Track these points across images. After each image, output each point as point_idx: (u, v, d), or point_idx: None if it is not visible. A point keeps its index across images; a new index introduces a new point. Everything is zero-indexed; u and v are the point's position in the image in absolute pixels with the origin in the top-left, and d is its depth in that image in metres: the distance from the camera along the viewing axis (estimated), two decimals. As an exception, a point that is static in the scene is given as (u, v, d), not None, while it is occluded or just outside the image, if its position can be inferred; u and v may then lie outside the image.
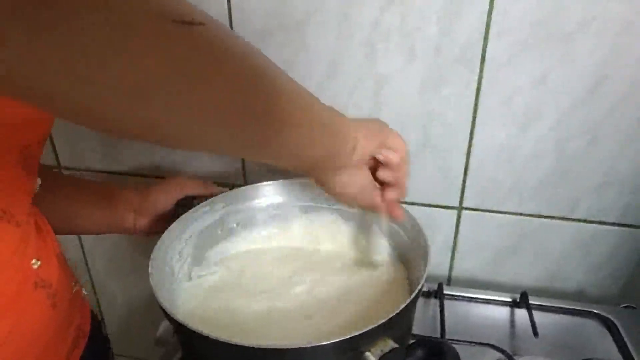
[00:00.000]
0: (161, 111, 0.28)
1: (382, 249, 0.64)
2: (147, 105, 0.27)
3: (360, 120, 0.49)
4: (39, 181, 0.53)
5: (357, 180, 0.51)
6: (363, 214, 0.64)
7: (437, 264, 0.81)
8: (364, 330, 0.41)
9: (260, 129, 0.35)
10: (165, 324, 0.61)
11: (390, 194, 0.53)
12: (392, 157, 0.51)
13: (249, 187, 0.67)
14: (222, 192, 0.67)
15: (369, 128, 0.50)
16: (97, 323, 0.63)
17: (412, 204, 0.76)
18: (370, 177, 0.52)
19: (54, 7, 0.21)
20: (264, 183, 0.67)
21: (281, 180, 0.68)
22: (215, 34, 0.30)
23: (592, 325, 0.70)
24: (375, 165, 0.52)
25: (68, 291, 0.54)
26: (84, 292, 0.60)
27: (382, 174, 0.52)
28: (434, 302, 0.73)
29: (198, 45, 0.28)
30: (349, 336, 0.40)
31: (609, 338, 0.67)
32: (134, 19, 0.24)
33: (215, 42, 0.30)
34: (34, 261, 0.48)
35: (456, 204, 0.75)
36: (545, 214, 0.73)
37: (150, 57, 0.25)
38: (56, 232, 0.59)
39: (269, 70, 0.38)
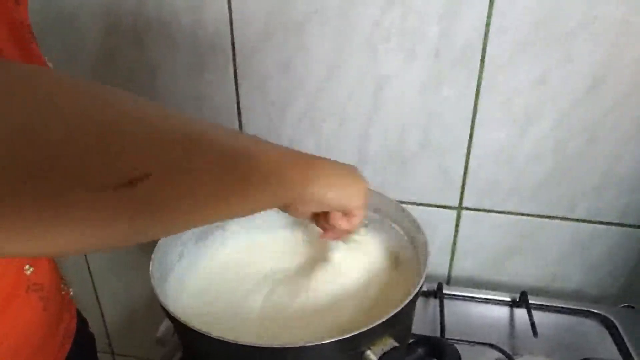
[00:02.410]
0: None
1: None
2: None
3: (329, 171, 0.43)
4: None
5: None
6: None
7: (436, 263, 0.81)
8: (365, 329, 0.41)
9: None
10: (166, 324, 0.61)
11: (328, 234, 0.54)
12: (341, 223, 0.49)
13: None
14: None
15: (334, 188, 0.43)
16: (83, 322, 0.64)
17: (412, 203, 0.76)
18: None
19: None
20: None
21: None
22: (161, 186, 0.27)
23: (592, 325, 0.70)
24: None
25: (58, 293, 0.55)
26: (70, 292, 0.61)
27: (324, 224, 0.50)
28: (433, 302, 0.73)
29: (139, 209, 0.26)
30: (349, 335, 0.41)
31: (608, 338, 0.68)
32: (71, 193, 0.23)
33: (160, 196, 0.27)
34: (27, 267, 0.49)
35: (456, 204, 0.76)
36: (544, 214, 0.73)
37: (88, 229, 0.25)
38: None
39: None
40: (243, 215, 0.36)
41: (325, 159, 0.43)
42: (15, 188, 0.21)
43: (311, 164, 0.41)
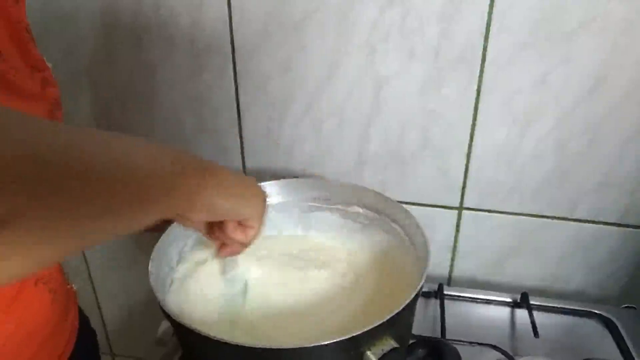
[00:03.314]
0: None
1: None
2: None
3: (224, 179, 0.41)
4: None
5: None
6: None
7: (437, 264, 0.81)
8: (365, 330, 0.41)
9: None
10: (165, 324, 0.61)
11: (222, 250, 0.53)
12: (236, 235, 0.47)
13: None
14: None
15: (228, 197, 0.41)
16: (85, 318, 0.64)
17: (412, 204, 0.76)
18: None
19: None
20: (264, 183, 0.67)
21: (281, 180, 0.68)
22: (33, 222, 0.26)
23: (593, 326, 0.70)
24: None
25: (64, 286, 0.56)
26: (74, 287, 0.61)
27: (217, 236, 0.49)
28: (434, 303, 0.73)
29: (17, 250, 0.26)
30: (349, 336, 0.40)
31: (610, 338, 0.67)
32: None
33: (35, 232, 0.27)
34: None
35: (456, 204, 0.75)
36: (545, 214, 0.73)
37: None
38: None
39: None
40: (135, 229, 0.34)
41: (222, 167, 0.41)
42: None
43: (205, 170, 0.39)
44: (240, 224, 0.47)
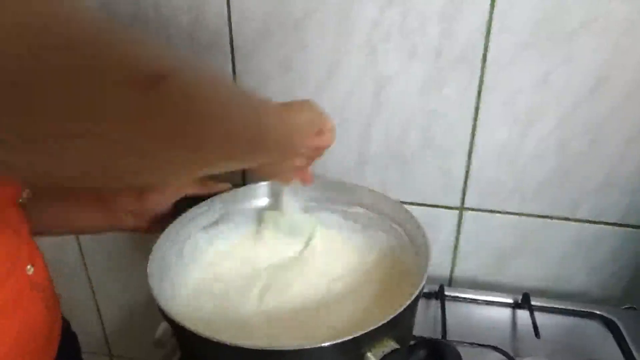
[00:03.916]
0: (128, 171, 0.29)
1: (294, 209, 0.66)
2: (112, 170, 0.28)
3: (284, 103, 0.50)
4: (27, 190, 0.54)
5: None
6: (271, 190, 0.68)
7: (438, 264, 0.81)
8: (365, 331, 0.41)
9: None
10: (164, 325, 0.61)
11: (298, 161, 0.56)
12: (316, 140, 0.53)
13: (248, 186, 0.67)
14: (221, 189, 0.66)
15: (303, 114, 0.51)
16: (65, 322, 0.64)
17: (414, 204, 0.76)
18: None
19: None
20: (264, 183, 0.67)
21: (281, 181, 0.67)
22: (181, 84, 0.29)
23: (594, 327, 0.70)
24: None
25: (53, 292, 0.56)
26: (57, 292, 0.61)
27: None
28: (435, 304, 0.73)
29: (165, 106, 0.27)
30: (350, 337, 0.40)
31: (611, 339, 0.67)
32: (110, 88, 0.24)
33: (181, 96, 0.29)
34: (28, 267, 0.50)
35: (458, 205, 0.75)
36: (547, 215, 0.73)
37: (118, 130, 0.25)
38: (57, 234, 0.60)
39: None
40: (247, 159, 0.41)
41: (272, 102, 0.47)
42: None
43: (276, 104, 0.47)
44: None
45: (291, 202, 0.64)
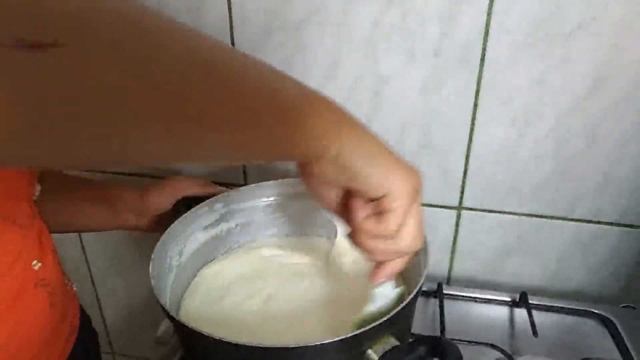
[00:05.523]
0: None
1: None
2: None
3: (368, 141, 0.36)
4: (39, 187, 0.55)
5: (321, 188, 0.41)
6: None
7: (436, 263, 0.81)
8: (366, 328, 0.41)
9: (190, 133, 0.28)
10: (165, 324, 0.61)
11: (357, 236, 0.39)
12: (368, 225, 0.37)
13: (248, 187, 0.67)
14: (221, 192, 0.67)
15: (367, 157, 0.35)
16: (86, 318, 0.64)
17: (412, 204, 0.76)
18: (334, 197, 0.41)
19: None
20: (264, 183, 0.67)
21: (281, 180, 0.68)
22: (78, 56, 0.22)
23: (592, 325, 0.70)
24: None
25: (63, 288, 0.56)
26: (74, 288, 0.61)
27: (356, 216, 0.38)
28: (433, 302, 0.73)
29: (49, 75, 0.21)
30: (351, 334, 0.40)
31: (609, 338, 0.67)
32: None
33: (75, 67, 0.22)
34: (34, 262, 0.50)
35: (456, 204, 0.76)
36: (544, 214, 0.73)
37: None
38: (60, 231, 0.60)
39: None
40: (252, 155, 0.32)
41: (363, 125, 0.35)
42: None
43: (342, 122, 0.33)
44: (375, 207, 0.36)
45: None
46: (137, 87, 0.24)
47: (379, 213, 0.36)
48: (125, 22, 0.24)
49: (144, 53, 0.24)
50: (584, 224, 0.73)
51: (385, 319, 0.42)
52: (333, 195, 0.40)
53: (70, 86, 0.22)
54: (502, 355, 0.62)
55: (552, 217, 0.73)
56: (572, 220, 0.73)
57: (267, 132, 0.30)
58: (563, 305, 0.72)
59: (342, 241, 0.48)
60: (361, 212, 0.37)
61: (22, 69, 0.20)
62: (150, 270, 0.50)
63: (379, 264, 0.42)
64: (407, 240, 0.37)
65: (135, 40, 0.24)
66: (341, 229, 0.45)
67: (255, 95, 0.30)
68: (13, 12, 0.20)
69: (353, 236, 0.39)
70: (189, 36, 0.28)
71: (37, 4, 0.21)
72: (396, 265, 0.41)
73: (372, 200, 0.36)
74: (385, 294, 0.46)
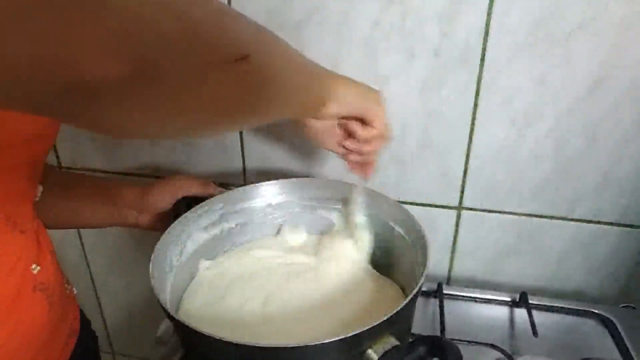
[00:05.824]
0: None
1: (358, 214, 0.65)
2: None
3: (349, 80, 0.53)
4: (41, 188, 0.55)
5: (325, 132, 0.56)
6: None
7: (436, 263, 0.81)
8: (366, 328, 0.41)
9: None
10: (165, 324, 0.61)
11: (352, 157, 0.58)
12: (358, 130, 0.54)
13: (248, 187, 0.67)
14: (221, 192, 0.67)
15: (352, 92, 0.52)
16: (85, 321, 0.64)
17: (412, 203, 0.76)
18: (335, 135, 0.57)
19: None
20: (264, 183, 0.67)
21: (281, 180, 0.68)
22: (261, 64, 0.33)
23: (592, 325, 0.70)
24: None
25: (62, 291, 0.56)
26: (74, 291, 0.61)
27: (346, 142, 0.56)
28: (433, 302, 0.73)
29: (251, 82, 0.32)
30: (351, 334, 0.41)
31: (609, 338, 0.68)
32: (204, 66, 0.28)
33: (263, 72, 0.34)
34: (33, 266, 0.50)
35: (456, 204, 0.76)
36: (544, 214, 0.73)
37: (215, 103, 0.31)
38: (60, 227, 0.60)
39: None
40: (275, 118, 0.44)
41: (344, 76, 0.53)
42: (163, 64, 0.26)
43: (334, 75, 0.52)
44: (364, 123, 0.54)
45: (358, 205, 0.65)
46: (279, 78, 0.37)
47: (367, 124, 0.54)
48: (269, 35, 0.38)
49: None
50: (584, 224, 0.73)
51: (385, 318, 0.42)
52: (334, 137, 0.57)
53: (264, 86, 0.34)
54: (502, 355, 0.62)
55: (552, 217, 0.73)
56: (572, 220, 0.73)
57: (305, 91, 0.46)
58: (563, 305, 0.72)
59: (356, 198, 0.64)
60: (354, 124, 0.54)
61: (235, 77, 0.31)
62: (150, 270, 0.50)
63: (362, 165, 0.59)
64: (387, 129, 0.56)
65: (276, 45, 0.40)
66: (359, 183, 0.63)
67: (302, 63, 0.46)
68: (228, 35, 0.30)
69: (351, 155, 0.57)
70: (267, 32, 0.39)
71: (234, 29, 0.32)
72: (374, 160, 0.60)
73: (358, 119, 0.54)
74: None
